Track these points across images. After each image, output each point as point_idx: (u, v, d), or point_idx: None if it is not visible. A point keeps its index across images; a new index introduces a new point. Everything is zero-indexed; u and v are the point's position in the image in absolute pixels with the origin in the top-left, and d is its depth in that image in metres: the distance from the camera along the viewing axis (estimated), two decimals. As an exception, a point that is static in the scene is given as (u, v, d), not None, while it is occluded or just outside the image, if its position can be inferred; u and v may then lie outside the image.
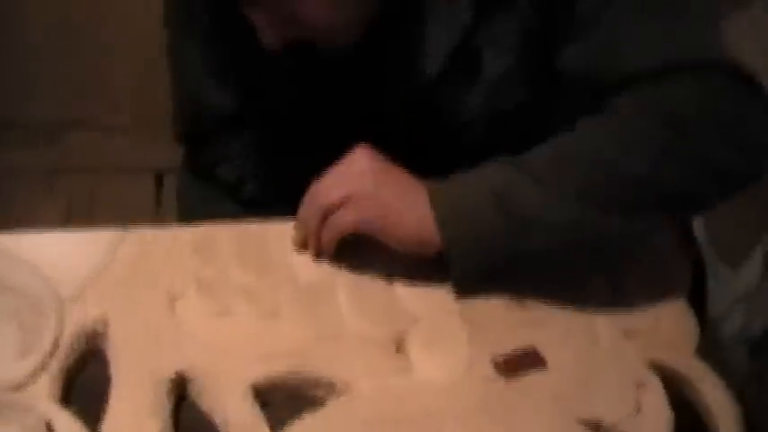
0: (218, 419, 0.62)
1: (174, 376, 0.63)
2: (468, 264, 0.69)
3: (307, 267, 0.72)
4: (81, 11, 1.49)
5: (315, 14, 0.66)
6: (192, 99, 0.89)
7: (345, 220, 0.69)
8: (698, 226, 1.39)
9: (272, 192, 0.90)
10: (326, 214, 0.69)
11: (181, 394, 0.64)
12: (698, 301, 1.02)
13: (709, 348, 1.29)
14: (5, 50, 1.55)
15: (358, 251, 0.72)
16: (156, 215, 1.56)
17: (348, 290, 0.71)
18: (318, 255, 0.72)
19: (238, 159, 0.92)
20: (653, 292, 0.77)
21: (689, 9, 0.71)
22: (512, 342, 0.70)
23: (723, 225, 1.44)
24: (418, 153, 0.76)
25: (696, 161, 0.68)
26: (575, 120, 0.72)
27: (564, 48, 0.73)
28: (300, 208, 0.71)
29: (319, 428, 0.61)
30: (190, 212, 0.97)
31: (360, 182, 0.69)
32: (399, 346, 0.68)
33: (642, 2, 0.70)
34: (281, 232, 0.74)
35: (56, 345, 0.64)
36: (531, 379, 0.68)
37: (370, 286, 0.72)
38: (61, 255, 0.71)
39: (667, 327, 0.75)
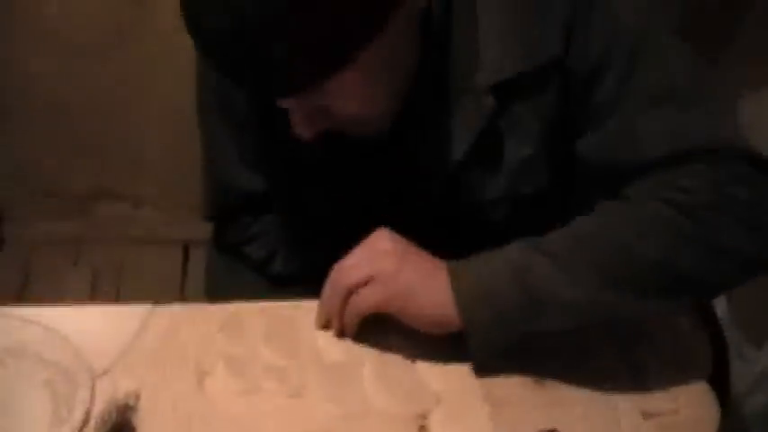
0: (244, 497, 0.63)
1: (202, 453, 0.64)
2: (488, 343, 0.70)
3: (333, 347, 0.74)
4: (113, 85, 1.54)
5: (348, 109, 0.68)
6: (223, 182, 0.91)
7: (367, 301, 0.70)
8: (720, 305, 1.39)
9: (299, 269, 0.92)
10: (349, 295, 0.70)
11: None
12: (720, 381, 1.03)
13: (734, 427, 1.28)
14: (39, 123, 1.60)
15: (382, 330, 0.73)
16: (183, 287, 1.58)
17: (373, 369, 0.72)
18: (341, 335, 0.73)
19: (266, 237, 0.94)
20: (673, 373, 0.78)
21: (702, 96, 0.73)
22: (531, 421, 0.71)
23: (746, 303, 1.44)
24: (442, 233, 0.78)
25: (710, 246, 0.69)
26: (591, 202, 0.74)
27: (581, 136, 0.76)
28: (324, 289, 0.73)
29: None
30: (217, 287, 1.00)
31: (382, 263, 0.70)
32: (423, 426, 0.68)
33: (656, 90, 0.72)
34: (307, 312, 0.76)
35: (87, 417, 0.66)
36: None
37: (394, 365, 0.73)
38: (92, 328, 0.73)
39: (687, 409, 0.75)
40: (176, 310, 0.75)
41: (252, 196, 0.91)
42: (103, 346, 0.71)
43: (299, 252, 0.93)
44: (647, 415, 0.74)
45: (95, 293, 1.62)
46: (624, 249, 0.69)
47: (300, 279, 0.90)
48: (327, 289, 0.73)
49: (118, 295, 1.62)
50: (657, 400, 0.75)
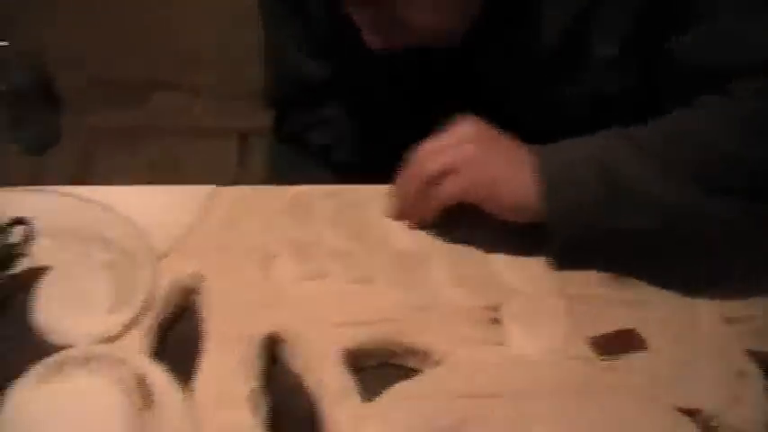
0: (310, 382, 0.60)
1: (266, 337, 0.61)
2: (570, 234, 0.65)
3: (402, 234, 0.70)
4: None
5: (422, 18, 0.64)
6: (285, 68, 0.88)
7: (450, 191, 0.66)
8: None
9: (365, 157, 0.88)
10: (429, 183, 0.66)
11: (273, 355, 0.62)
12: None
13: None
14: (94, 11, 1.56)
15: (455, 218, 0.69)
16: (239, 177, 1.56)
17: (444, 259, 0.68)
18: (417, 225, 0.69)
19: (329, 125, 0.90)
20: (755, 280, 0.72)
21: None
22: (610, 321, 0.66)
23: None
24: (519, 131, 0.72)
25: None
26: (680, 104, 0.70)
27: (676, 34, 0.70)
28: (399, 175, 0.68)
29: (413, 397, 0.58)
30: (279, 179, 0.96)
31: (466, 149, 0.66)
32: (495, 318, 0.65)
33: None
34: (375, 197, 0.72)
35: (150, 299, 0.63)
36: (629, 361, 0.64)
37: (467, 257, 0.69)
38: (154, 209, 0.70)
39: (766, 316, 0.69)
40: (240, 192, 0.71)
41: (314, 84, 0.87)
42: (165, 228, 0.68)
43: (366, 140, 0.88)
44: (727, 320, 0.69)
45: (152, 183, 1.61)
46: (717, 148, 0.65)
47: (368, 168, 0.85)
48: (404, 176, 0.68)
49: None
50: (738, 306, 0.70)
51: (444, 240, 0.70)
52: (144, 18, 1.55)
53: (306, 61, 0.86)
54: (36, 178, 1.58)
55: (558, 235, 0.65)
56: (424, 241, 0.69)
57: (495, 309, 0.65)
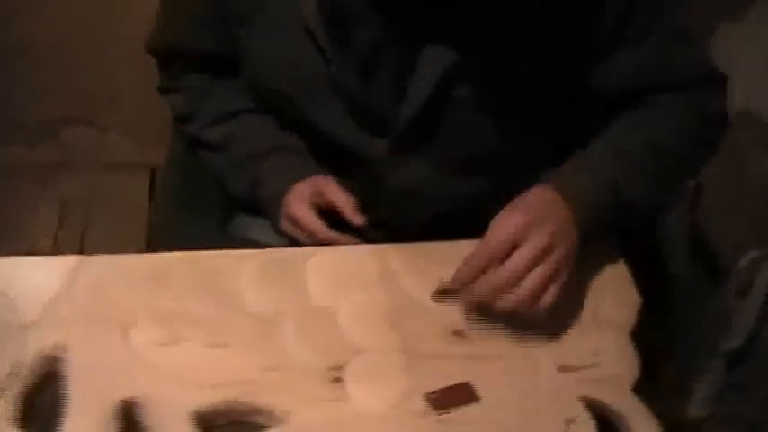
0: (161, 444, 0.68)
1: (121, 401, 0.69)
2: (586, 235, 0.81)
3: (258, 298, 0.78)
4: (81, 10, 1.54)
5: None
6: (173, 23, 0.95)
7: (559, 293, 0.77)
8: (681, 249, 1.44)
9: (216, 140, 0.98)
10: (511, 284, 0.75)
11: (131, 418, 0.70)
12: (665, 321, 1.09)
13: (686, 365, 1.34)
14: (6, 50, 1.61)
15: (302, 283, 0.77)
16: (150, 211, 1.61)
17: (294, 321, 0.76)
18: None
19: (192, 93, 0.98)
20: (594, 327, 0.82)
21: (686, 32, 0.90)
22: (448, 375, 0.75)
23: (708, 245, 1.49)
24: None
25: (708, 148, 0.94)
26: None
27: (612, 55, 0.87)
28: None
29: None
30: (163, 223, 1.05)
31: (554, 260, 0.76)
32: (338, 378, 0.73)
33: (679, 25, 0.89)
34: (235, 260, 0.79)
35: (16, 369, 0.70)
36: (464, 413, 0.72)
37: (315, 318, 0.77)
38: (23, 280, 0.77)
39: (606, 362, 0.79)
40: (105, 262, 0.78)
41: (200, 49, 0.95)
42: (33, 298, 0.75)
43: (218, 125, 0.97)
44: (563, 368, 0.78)
45: (64, 219, 1.67)
46: (677, 155, 0.89)
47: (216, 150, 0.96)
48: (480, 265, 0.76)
49: (86, 221, 1.67)
50: (576, 354, 0.79)
51: (296, 303, 0.78)
52: (56, 58, 1.61)
53: (193, 25, 0.93)
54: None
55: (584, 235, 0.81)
56: (279, 304, 0.77)
57: (339, 368, 0.74)
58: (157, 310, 0.75)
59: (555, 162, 0.96)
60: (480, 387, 0.75)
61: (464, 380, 0.75)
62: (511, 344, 0.78)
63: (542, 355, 0.78)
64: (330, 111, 0.87)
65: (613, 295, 0.85)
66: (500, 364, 0.77)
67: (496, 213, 0.86)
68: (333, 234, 0.87)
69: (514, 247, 0.75)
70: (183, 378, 0.71)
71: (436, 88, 0.82)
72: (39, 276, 0.77)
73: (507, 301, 0.74)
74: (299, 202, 0.90)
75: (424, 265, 0.82)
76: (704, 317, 1.40)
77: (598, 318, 0.83)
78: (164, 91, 1.02)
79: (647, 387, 1.11)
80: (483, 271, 0.75)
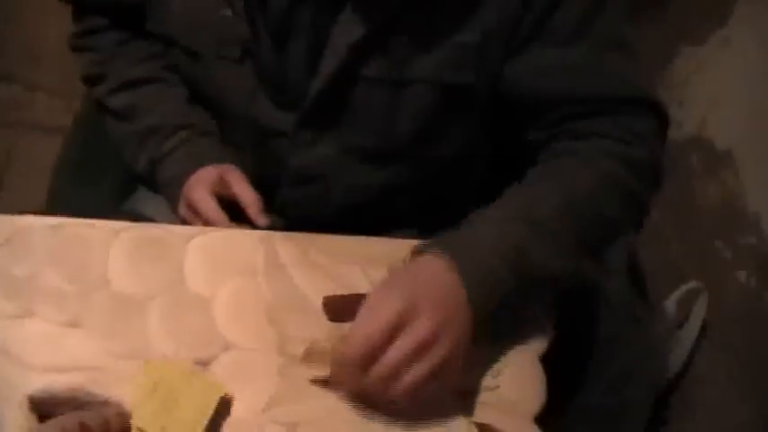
0: (-9, 426, 0.61)
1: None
2: (485, 310, 0.70)
3: (124, 276, 0.71)
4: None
5: None
6: None
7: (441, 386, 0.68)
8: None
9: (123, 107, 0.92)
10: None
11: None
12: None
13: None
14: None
15: (178, 265, 0.71)
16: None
17: (163, 306, 0.70)
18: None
19: (103, 54, 0.93)
20: (498, 349, 0.76)
21: (635, 51, 0.82)
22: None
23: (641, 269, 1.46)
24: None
25: (641, 200, 0.81)
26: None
27: (533, 51, 0.80)
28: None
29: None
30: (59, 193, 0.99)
31: (440, 348, 0.66)
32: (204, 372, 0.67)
33: (613, 35, 0.81)
34: (102, 232, 0.73)
35: None
36: (335, 426, 0.67)
37: (187, 305, 0.71)
38: None
39: (508, 388, 0.74)
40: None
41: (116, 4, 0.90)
42: None
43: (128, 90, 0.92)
44: (461, 393, 0.72)
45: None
46: (597, 215, 0.77)
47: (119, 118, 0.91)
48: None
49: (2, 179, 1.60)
50: (475, 378, 0.74)
51: (169, 286, 0.71)
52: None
53: None
54: None
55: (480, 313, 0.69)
56: (148, 285, 0.71)
57: (205, 363, 0.68)
58: (11, 280, 0.69)
59: (475, 162, 0.91)
60: (361, 406, 0.69)
61: (343, 400, 0.69)
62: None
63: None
64: (238, 76, 0.83)
65: (522, 313, 0.80)
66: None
67: (404, 212, 0.80)
68: (232, 226, 0.82)
69: (393, 336, 0.65)
70: (26, 358, 0.65)
71: (346, 63, 0.78)
72: None
73: (383, 395, 0.66)
74: (201, 189, 0.85)
75: (315, 259, 0.76)
76: (635, 344, 1.38)
77: (503, 338, 0.78)
78: (75, 48, 0.96)
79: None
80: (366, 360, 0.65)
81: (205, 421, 0.63)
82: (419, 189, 0.90)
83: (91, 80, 0.95)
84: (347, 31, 0.77)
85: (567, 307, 1.10)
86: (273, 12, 0.79)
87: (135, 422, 0.62)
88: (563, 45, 0.80)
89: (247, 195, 0.83)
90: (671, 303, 1.33)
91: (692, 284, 1.32)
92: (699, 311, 1.31)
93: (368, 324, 0.65)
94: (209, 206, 0.83)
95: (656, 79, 1.55)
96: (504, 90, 0.82)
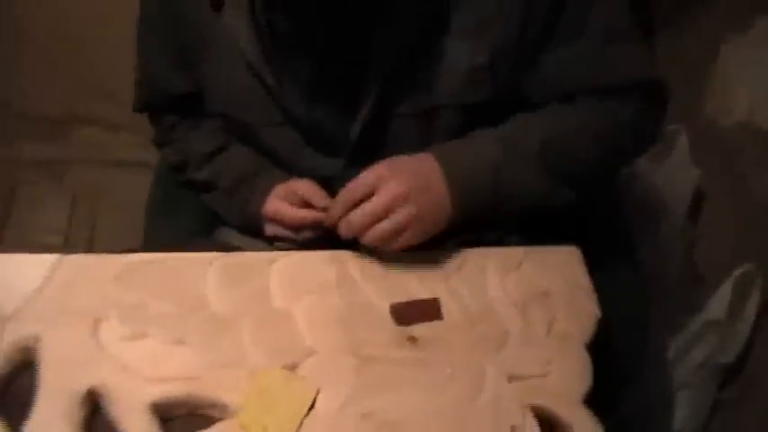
0: (120, 430, 0.76)
1: (86, 391, 0.77)
2: (465, 216, 0.90)
3: (217, 299, 0.85)
4: (88, 14, 1.64)
5: None
6: (150, 76, 1.06)
7: (411, 242, 0.87)
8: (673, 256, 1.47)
9: (207, 177, 1.08)
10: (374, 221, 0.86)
11: (96, 407, 0.78)
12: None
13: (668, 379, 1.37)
14: (21, 51, 1.72)
15: (264, 284, 0.85)
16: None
17: (252, 321, 0.84)
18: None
19: (180, 144, 1.09)
20: (548, 338, 0.88)
21: (636, 33, 0.94)
22: (396, 379, 0.82)
23: (698, 255, 1.52)
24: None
25: (621, 152, 0.98)
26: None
27: (543, 52, 0.92)
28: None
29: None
30: (154, 225, 1.14)
31: (407, 210, 0.85)
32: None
33: (616, 23, 0.92)
34: (198, 263, 0.87)
35: (-7, 356, 0.79)
36: (406, 415, 0.79)
37: (272, 319, 0.84)
38: (5, 275, 0.85)
39: (558, 373, 0.85)
40: (79, 261, 0.87)
41: (173, 92, 1.05)
42: (13, 292, 0.83)
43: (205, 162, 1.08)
44: (512, 377, 0.84)
45: (74, 212, 1.78)
46: (579, 151, 0.93)
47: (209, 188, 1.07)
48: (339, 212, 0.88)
49: (95, 215, 1.77)
50: (527, 365, 0.85)
51: (255, 303, 0.85)
52: (67, 60, 1.71)
53: (166, 72, 1.03)
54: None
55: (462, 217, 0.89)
56: (238, 306, 0.85)
57: (292, 368, 0.81)
58: (124, 307, 0.83)
59: None
60: (426, 393, 0.81)
61: (408, 384, 0.81)
62: (463, 352, 0.85)
63: (492, 363, 0.84)
64: (285, 136, 0.97)
65: (570, 306, 0.91)
66: (449, 371, 0.83)
67: (454, 226, 0.92)
68: (302, 211, 0.96)
69: (373, 192, 0.85)
70: (144, 371, 0.79)
71: (378, 105, 0.90)
72: (19, 272, 0.85)
73: (367, 236, 0.86)
74: (274, 201, 0.99)
75: (381, 272, 0.89)
76: (691, 330, 1.44)
77: (553, 329, 0.89)
78: (159, 145, 1.13)
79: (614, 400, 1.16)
80: (347, 210, 0.86)
81: (300, 418, 0.76)
82: None
83: (177, 167, 1.11)
84: (374, 75, 0.89)
85: (619, 293, 1.21)
86: (301, 75, 0.92)
87: (241, 421, 0.76)
88: (559, 45, 0.91)
89: (308, 188, 0.96)
90: (726, 289, 1.38)
91: (746, 267, 1.35)
92: (754, 295, 1.34)
93: (353, 182, 0.87)
94: (285, 209, 0.97)
95: (704, 71, 1.61)
96: (524, 94, 0.95)
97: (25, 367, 0.81)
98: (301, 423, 0.77)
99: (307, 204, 0.96)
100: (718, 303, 1.40)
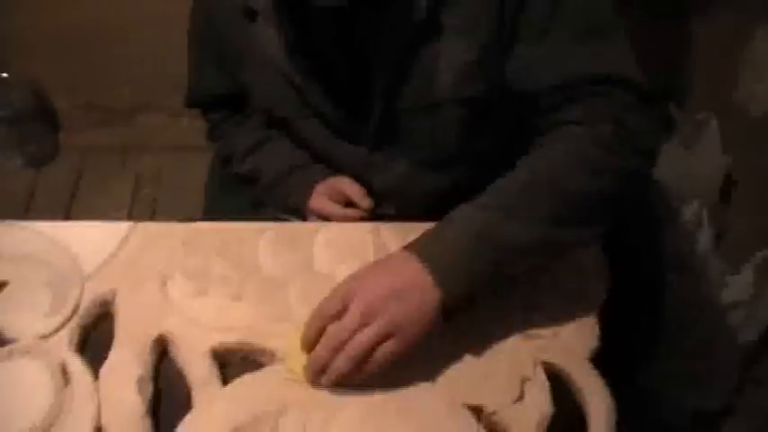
0: (185, 373, 0.89)
1: (156, 338, 0.90)
2: (464, 296, 0.85)
3: (270, 263, 0.98)
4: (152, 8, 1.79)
5: None
6: (198, 79, 1.22)
7: (394, 351, 0.81)
8: (703, 236, 1.55)
9: (247, 172, 1.22)
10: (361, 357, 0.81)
11: (163, 352, 0.92)
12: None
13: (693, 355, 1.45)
14: (85, 43, 1.88)
15: (311, 252, 0.98)
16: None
17: (301, 283, 0.96)
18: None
19: (227, 140, 1.24)
20: (563, 306, 0.95)
21: (612, 30, 0.93)
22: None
23: (724, 234, 1.60)
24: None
25: (618, 169, 0.89)
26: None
27: (514, 51, 0.95)
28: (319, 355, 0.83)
29: (251, 385, 0.87)
30: (213, 200, 1.28)
31: (378, 315, 0.80)
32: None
33: (581, 21, 0.92)
34: (252, 232, 1.00)
35: (76, 308, 0.93)
36: (423, 366, 0.88)
37: (317, 283, 0.96)
38: (86, 240, 0.99)
39: (567, 335, 0.94)
40: (150, 228, 1.00)
41: (216, 93, 1.21)
42: (93, 255, 0.97)
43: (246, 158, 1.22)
44: (525, 336, 0.93)
45: (137, 195, 1.93)
46: (562, 188, 0.87)
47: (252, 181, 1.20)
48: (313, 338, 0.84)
49: (155, 198, 1.92)
50: (538, 326, 0.93)
51: (302, 269, 0.98)
52: (129, 50, 1.86)
53: (212, 77, 1.18)
54: (34, 189, 1.91)
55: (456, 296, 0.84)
56: (286, 269, 0.97)
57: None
58: (189, 268, 0.97)
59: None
60: (446, 342, 0.90)
61: (434, 337, 0.92)
62: (483, 310, 0.94)
63: (504, 325, 0.93)
64: (317, 128, 1.10)
65: (581, 272, 0.99)
66: (470, 322, 0.92)
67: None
68: (348, 211, 1.10)
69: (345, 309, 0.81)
70: (205, 322, 0.92)
71: (385, 103, 1.02)
72: (97, 237, 0.99)
73: (338, 360, 0.81)
74: (319, 198, 1.13)
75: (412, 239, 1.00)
76: (721, 307, 1.51)
77: (563, 292, 0.97)
78: (211, 140, 1.29)
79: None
80: (320, 334, 0.83)
81: None
82: (485, 179, 1.10)
83: (225, 161, 1.26)
84: (380, 76, 1.00)
85: (645, 274, 1.29)
86: (325, 77, 1.04)
87: (288, 366, 0.88)
88: (539, 38, 0.93)
89: (352, 188, 1.10)
90: (747, 269, 1.46)
91: None
92: None
93: (322, 302, 0.84)
94: (332, 208, 1.11)
95: (735, 58, 1.67)
96: (509, 88, 0.98)
97: (102, 318, 0.94)
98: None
99: (347, 200, 1.11)
100: (741, 284, 1.47)
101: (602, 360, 0.93)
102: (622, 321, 1.33)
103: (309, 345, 0.84)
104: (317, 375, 0.84)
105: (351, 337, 0.80)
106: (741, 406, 1.53)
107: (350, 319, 0.81)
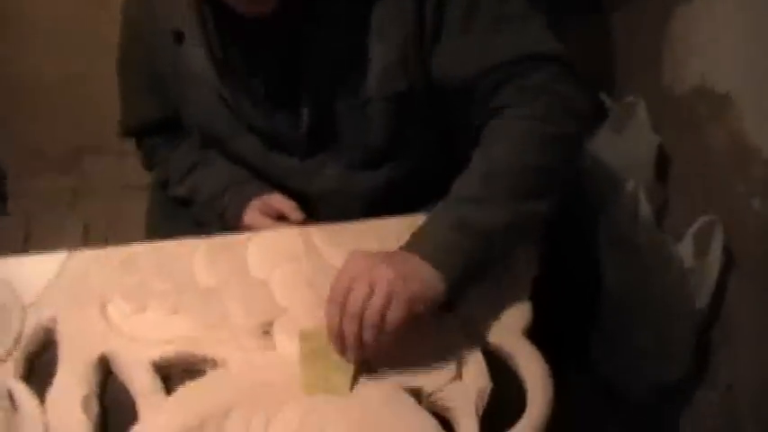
0: (129, 387, 0.94)
1: (98, 358, 0.95)
2: (462, 282, 0.93)
3: (206, 274, 1.03)
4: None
5: None
6: (130, 105, 1.27)
7: (399, 315, 0.87)
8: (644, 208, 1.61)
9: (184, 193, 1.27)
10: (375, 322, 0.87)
11: (108, 371, 0.96)
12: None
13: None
14: (27, 92, 1.93)
15: (243, 258, 1.03)
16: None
17: (235, 291, 1.01)
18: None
19: (164, 164, 1.29)
20: (493, 288, 1.01)
21: (528, 15, 1.04)
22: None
23: (663, 209, 1.66)
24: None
25: (561, 135, 0.99)
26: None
27: (434, 50, 1.04)
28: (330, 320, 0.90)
29: (195, 390, 0.92)
30: (154, 227, 1.33)
31: (384, 275, 0.88)
32: (266, 332, 0.97)
33: (498, 9, 1.02)
34: (187, 248, 1.05)
35: (19, 338, 0.97)
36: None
37: (252, 288, 1.01)
38: (24, 272, 1.04)
39: (499, 313, 0.99)
40: (86, 254, 1.05)
41: (152, 120, 1.26)
42: (32, 285, 1.02)
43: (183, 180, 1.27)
44: (462, 319, 0.99)
45: (87, 237, 1.97)
46: (517, 167, 0.96)
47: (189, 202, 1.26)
48: (336, 319, 0.89)
49: (107, 239, 1.97)
50: (474, 307, 0.99)
51: (237, 276, 1.03)
52: (71, 95, 1.92)
53: (144, 100, 1.23)
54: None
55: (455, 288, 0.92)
56: (221, 278, 1.02)
57: (269, 324, 0.98)
58: (127, 288, 1.01)
59: (457, 137, 1.15)
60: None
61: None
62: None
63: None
64: (250, 144, 1.16)
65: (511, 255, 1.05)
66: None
67: (419, 190, 1.08)
68: (279, 224, 1.15)
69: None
70: (145, 338, 0.97)
71: (317, 106, 1.08)
72: (36, 267, 1.04)
73: (364, 329, 0.87)
74: (251, 213, 1.18)
75: (342, 240, 1.06)
76: (670, 278, 1.56)
77: (496, 275, 1.03)
78: (147, 167, 1.35)
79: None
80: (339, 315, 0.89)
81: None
82: (420, 172, 1.17)
83: (164, 184, 1.31)
84: (310, 83, 1.07)
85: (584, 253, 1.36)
86: (252, 90, 1.11)
87: (305, 382, 0.92)
88: (459, 33, 1.02)
89: (282, 203, 1.16)
90: (688, 238, 1.51)
91: (705, 218, 1.47)
92: (717, 243, 1.45)
93: (332, 286, 0.90)
94: (260, 221, 1.16)
95: (658, 41, 1.75)
96: (436, 83, 1.08)
97: (46, 346, 0.98)
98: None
99: (281, 216, 1.16)
100: (684, 253, 1.53)
101: (555, 344, 0.98)
102: (573, 305, 1.40)
103: (334, 327, 0.89)
104: (355, 351, 0.90)
105: (365, 306, 0.87)
106: (701, 374, 1.58)
107: (360, 290, 0.87)
